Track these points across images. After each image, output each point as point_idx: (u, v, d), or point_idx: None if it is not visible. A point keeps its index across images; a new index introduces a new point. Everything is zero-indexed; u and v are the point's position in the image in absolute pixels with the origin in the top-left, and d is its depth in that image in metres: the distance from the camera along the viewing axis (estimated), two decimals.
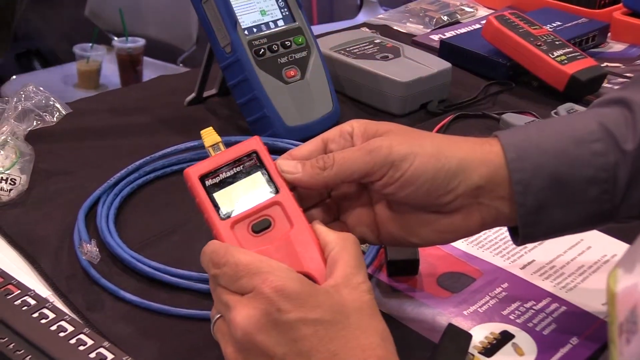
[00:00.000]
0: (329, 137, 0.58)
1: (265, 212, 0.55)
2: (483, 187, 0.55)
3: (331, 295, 0.49)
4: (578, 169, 0.55)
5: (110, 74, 2.45)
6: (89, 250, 0.66)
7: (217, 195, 0.54)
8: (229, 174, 0.55)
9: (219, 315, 0.52)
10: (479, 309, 0.65)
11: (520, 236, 0.58)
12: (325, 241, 0.53)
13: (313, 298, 0.48)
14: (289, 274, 0.49)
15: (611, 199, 0.56)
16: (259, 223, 0.54)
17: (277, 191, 0.55)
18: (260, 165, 0.56)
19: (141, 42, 2.40)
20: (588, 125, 0.56)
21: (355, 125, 0.58)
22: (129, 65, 2.39)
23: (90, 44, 2.40)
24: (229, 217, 0.54)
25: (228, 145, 0.57)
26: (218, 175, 0.55)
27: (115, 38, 2.48)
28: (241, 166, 0.55)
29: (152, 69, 2.46)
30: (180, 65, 2.58)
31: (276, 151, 0.89)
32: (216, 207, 0.54)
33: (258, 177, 0.55)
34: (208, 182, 0.55)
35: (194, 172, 0.55)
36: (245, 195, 0.55)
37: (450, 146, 0.56)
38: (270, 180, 0.55)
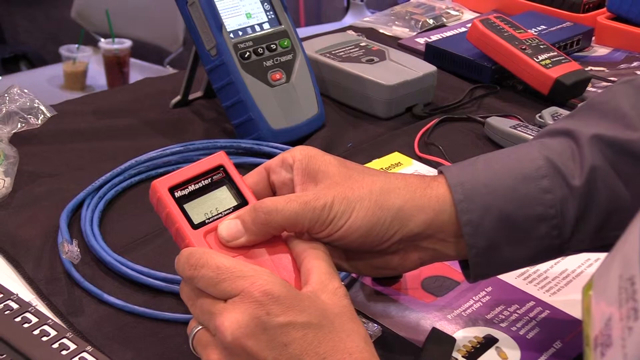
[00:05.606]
0: (270, 166, 0.58)
1: None
2: (421, 233, 0.56)
3: (313, 300, 0.49)
4: (527, 207, 0.55)
5: (97, 75, 2.44)
6: (70, 249, 0.66)
7: (187, 207, 0.54)
8: (197, 186, 0.55)
9: (199, 328, 0.51)
10: (462, 313, 0.66)
11: (472, 275, 0.58)
12: (297, 251, 0.54)
13: (299, 302, 0.48)
14: (274, 278, 0.49)
15: (560, 234, 0.56)
16: None
17: (245, 203, 0.55)
18: (227, 179, 0.56)
19: (128, 43, 2.40)
20: (535, 161, 0.56)
21: (298, 158, 0.56)
22: (116, 66, 2.39)
23: (77, 45, 2.39)
24: (200, 227, 0.54)
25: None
26: (187, 188, 0.55)
27: (102, 39, 2.47)
28: (209, 179, 0.56)
29: (138, 71, 2.46)
30: (167, 66, 2.58)
31: (261, 155, 0.89)
32: (187, 217, 0.54)
33: (226, 190, 0.56)
34: (177, 194, 0.55)
35: (162, 184, 0.55)
36: (214, 207, 0.55)
37: (390, 194, 0.55)
38: (239, 192, 0.56)
